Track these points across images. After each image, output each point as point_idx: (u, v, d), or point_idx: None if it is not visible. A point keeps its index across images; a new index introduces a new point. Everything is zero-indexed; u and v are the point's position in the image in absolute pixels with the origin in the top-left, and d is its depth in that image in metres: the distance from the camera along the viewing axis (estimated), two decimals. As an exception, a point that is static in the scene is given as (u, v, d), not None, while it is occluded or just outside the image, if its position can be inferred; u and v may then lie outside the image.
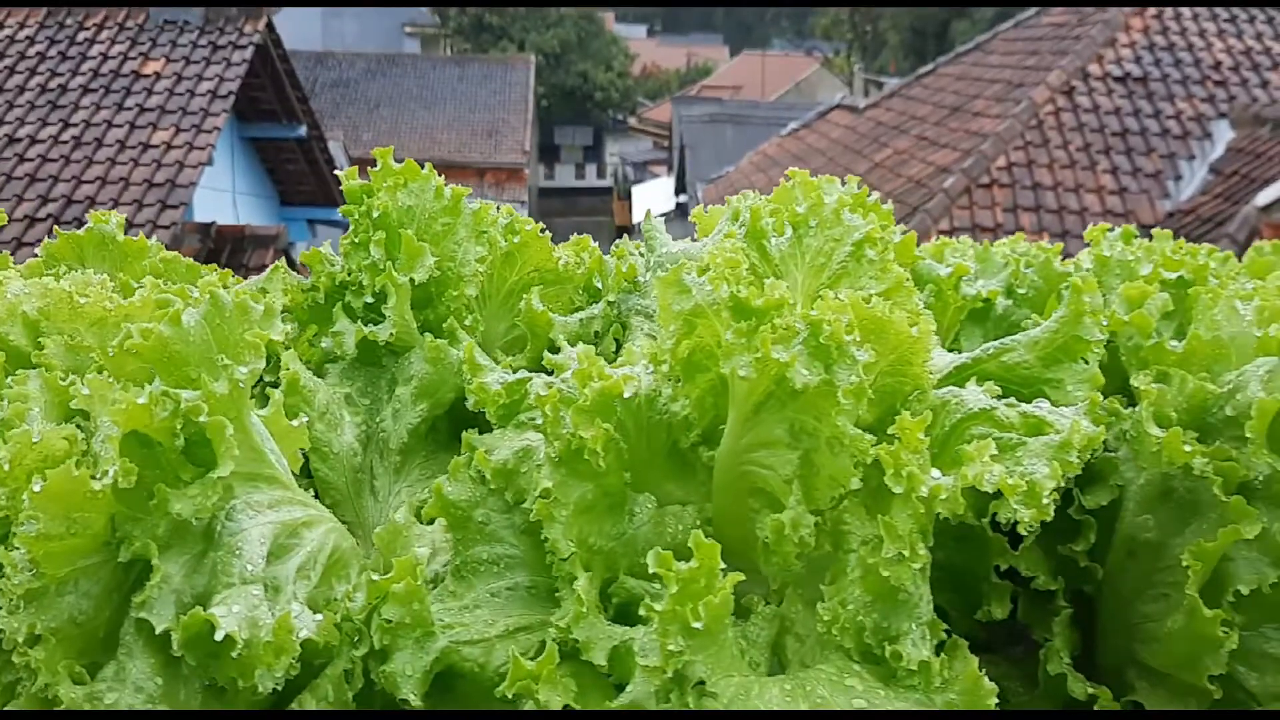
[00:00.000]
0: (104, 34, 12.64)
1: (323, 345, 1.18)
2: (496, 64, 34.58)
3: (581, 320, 1.25)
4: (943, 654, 0.85)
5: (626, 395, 0.89)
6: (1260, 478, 0.95)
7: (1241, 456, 0.96)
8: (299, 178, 15.40)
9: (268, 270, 1.28)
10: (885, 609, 0.85)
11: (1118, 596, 1.04)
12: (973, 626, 1.09)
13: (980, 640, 1.11)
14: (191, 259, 1.32)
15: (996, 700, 1.06)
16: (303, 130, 14.50)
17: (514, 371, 1.07)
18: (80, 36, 12.58)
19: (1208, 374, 1.06)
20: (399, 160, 1.28)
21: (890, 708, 0.81)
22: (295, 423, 0.96)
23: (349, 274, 1.19)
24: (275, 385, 1.10)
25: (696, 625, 0.76)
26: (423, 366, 1.13)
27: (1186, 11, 13.57)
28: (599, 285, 1.34)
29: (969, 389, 0.97)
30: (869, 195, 1.32)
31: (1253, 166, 11.11)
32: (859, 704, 0.80)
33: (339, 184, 1.29)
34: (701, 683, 0.76)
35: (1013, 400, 0.93)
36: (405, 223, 1.23)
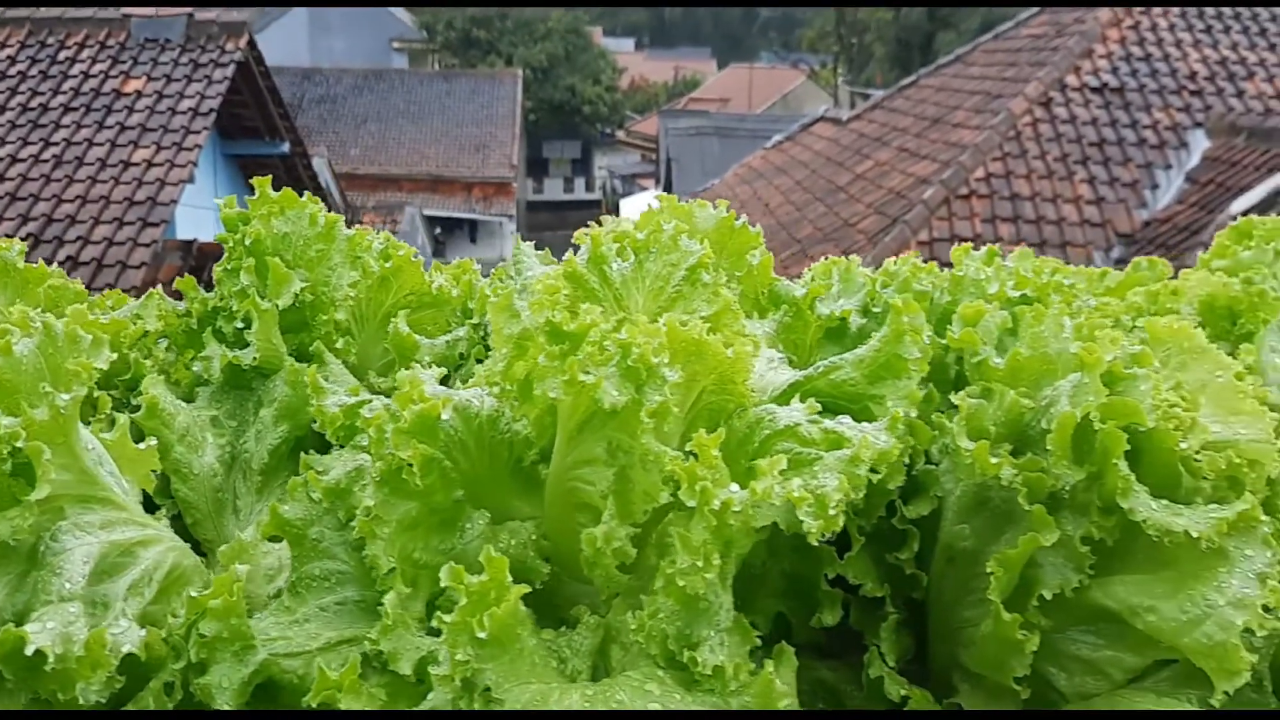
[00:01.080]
0: (85, 53, 12.70)
1: (194, 369, 1.23)
2: (484, 78, 34.74)
3: (448, 343, 1.29)
4: (742, 659, 0.89)
5: (444, 418, 0.94)
6: (1066, 487, 0.99)
7: (1049, 467, 1.00)
8: (283, 194, 15.43)
9: (143, 296, 1.33)
10: (687, 617, 0.89)
11: (941, 602, 1.08)
12: (815, 633, 1.13)
13: (822, 646, 1.16)
14: (82, 285, 1.36)
15: (833, 702, 1.12)
16: (285, 147, 14.58)
17: (363, 394, 1.11)
18: (61, 55, 12.64)
19: (1031, 389, 1.11)
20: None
21: (685, 710, 0.85)
22: (143, 445, 1.00)
23: (221, 299, 1.24)
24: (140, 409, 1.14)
25: (482, 635, 0.80)
26: (284, 389, 1.17)
27: (1163, 21, 13.70)
28: (473, 308, 1.39)
29: (788, 406, 1.01)
30: (737, 219, 1.38)
31: (1228, 175, 11.23)
32: (654, 707, 0.84)
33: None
34: (489, 689, 0.80)
35: (817, 417, 0.97)
36: (280, 249, 1.27)
